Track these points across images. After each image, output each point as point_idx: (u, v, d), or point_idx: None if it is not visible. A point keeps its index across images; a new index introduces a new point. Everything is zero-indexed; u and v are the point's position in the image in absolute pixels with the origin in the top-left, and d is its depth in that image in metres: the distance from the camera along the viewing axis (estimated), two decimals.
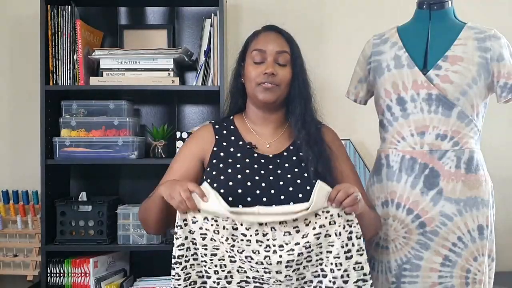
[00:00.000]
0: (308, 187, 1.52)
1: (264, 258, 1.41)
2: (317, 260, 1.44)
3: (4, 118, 2.73)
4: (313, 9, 2.74)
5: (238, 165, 1.59)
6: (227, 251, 1.44)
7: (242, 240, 1.42)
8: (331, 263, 1.43)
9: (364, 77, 1.89)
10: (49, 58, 2.42)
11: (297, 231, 1.42)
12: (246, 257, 1.41)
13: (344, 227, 1.43)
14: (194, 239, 1.44)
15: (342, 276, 1.43)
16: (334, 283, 1.43)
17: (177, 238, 1.44)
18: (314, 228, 1.42)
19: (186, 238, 1.44)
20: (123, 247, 2.48)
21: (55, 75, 2.43)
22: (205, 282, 1.47)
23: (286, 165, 1.60)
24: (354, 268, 1.43)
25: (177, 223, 1.44)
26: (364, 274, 1.43)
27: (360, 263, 1.43)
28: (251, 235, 1.42)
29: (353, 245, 1.43)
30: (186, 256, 1.45)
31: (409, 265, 1.71)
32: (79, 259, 2.43)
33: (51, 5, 2.42)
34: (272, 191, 1.54)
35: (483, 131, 1.78)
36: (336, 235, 1.43)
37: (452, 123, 1.70)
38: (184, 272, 1.45)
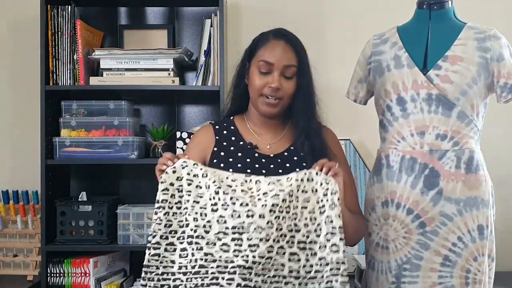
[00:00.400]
0: None
1: (250, 201, 1.44)
2: (293, 214, 1.47)
3: (4, 118, 2.73)
4: (313, 9, 2.74)
5: (239, 165, 1.59)
6: (210, 199, 1.46)
7: (228, 187, 1.46)
8: (305, 218, 1.47)
9: (364, 77, 1.89)
10: (49, 58, 2.42)
11: (280, 184, 1.48)
12: (231, 198, 1.43)
13: (321, 184, 1.48)
14: (181, 186, 1.47)
15: (315, 230, 1.47)
16: (307, 237, 1.47)
17: (162, 182, 1.47)
18: (296, 180, 1.47)
19: (171, 184, 1.47)
20: (123, 247, 2.48)
21: (55, 75, 2.43)
22: (184, 232, 1.47)
23: (287, 165, 1.60)
24: (325, 222, 1.46)
25: (166, 169, 1.49)
26: (333, 228, 1.45)
27: (330, 216, 1.46)
28: (236, 186, 1.47)
29: (327, 200, 1.47)
30: (170, 203, 1.47)
31: (409, 265, 1.71)
32: (79, 259, 2.43)
33: (51, 5, 2.42)
34: None
35: (483, 131, 1.78)
36: (312, 191, 1.48)
37: (452, 123, 1.70)
38: (166, 218, 1.47)
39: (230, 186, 1.47)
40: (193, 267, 1.45)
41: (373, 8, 2.72)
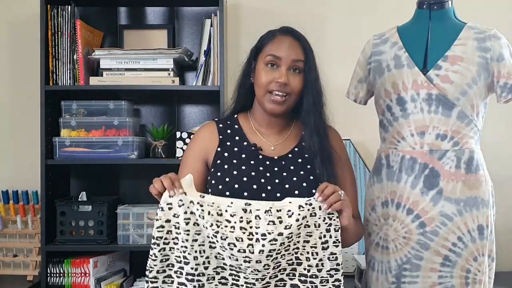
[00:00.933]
0: (314, 191, 1.50)
1: (248, 246, 1.42)
2: (293, 249, 1.47)
3: (4, 118, 2.73)
4: (313, 9, 2.74)
5: (243, 167, 1.57)
6: (208, 236, 1.45)
7: (226, 226, 1.44)
8: (307, 252, 1.48)
9: (364, 77, 1.89)
10: (49, 58, 2.42)
11: (280, 222, 1.44)
12: (229, 244, 1.42)
13: (324, 220, 1.47)
14: (178, 223, 1.45)
15: (317, 265, 1.48)
16: (308, 270, 1.48)
17: (157, 220, 1.45)
18: (297, 220, 1.45)
19: (168, 221, 1.45)
20: (123, 247, 2.48)
21: (55, 75, 2.43)
22: (182, 268, 1.46)
23: (292, 167, 1.59)
24: (328, 258, 1.48)
25: (160, 205, 1.45)
26: (337, 264, 1.48)
27: (335, 253, 1.48)
28: (235, 222, 1.44)
29: (330, 237, 1.48)
30: (166, 239, 1.46)
31: (409, 265, 1.71)
32: (79, 259, 2.43)
33: (51, 5, 2.42)
34: (278, 194, 1.53)
35: (483, 131, 1.78)
36: (315, 226, 1.47)
37: (452, 123, 1.70)
38: (161, 254, 1.46)
39: (229, 222, 1.44)
40: None
41: (373, 8, 2.72)
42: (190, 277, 1.46)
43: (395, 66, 1.77)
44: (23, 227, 2.61)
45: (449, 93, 1.69)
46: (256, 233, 1.44)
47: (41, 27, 2.40)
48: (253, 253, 1.42)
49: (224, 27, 2.47)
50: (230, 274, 1.47)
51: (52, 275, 2.45)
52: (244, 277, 1.46)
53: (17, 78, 2.72)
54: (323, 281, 1.48)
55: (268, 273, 1.45)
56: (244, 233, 1.44)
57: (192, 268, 1.45)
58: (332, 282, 1.48)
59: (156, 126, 2.60)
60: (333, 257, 1.48)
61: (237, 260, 1.43)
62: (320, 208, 1.47)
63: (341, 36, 2.71)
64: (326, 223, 1.47)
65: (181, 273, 1.47)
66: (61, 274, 2.44)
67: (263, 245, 1.42)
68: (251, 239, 1.43)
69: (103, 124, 2.45)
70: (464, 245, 1.68)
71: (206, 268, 1.47)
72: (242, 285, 1.47)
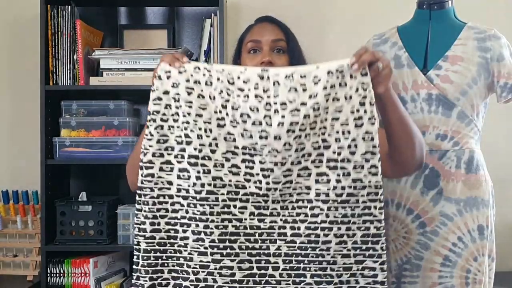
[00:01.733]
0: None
1: (264, 118, 1.18)
2: (320, 129, 1.21)
3: (4, 118, 2.73)
4: (313, 9, 2.74)
5: None
6: (216, 112, 1.20)
7: (238, 96, 1.20)
8: (337, 132, 1.21)
9: None
10: (49, 58, 2.42)
11: (304, 89, 1.19)
12: (241, 115, 1.19)
13: (357, 90, 1.20)
14: (178, 94, 1.22)
15: (349, 146, 1.21)
16: (339, 154, 1.21)
17: (153, 91, 1.23)
18: (324, 88, 1.18)
19: (166, 92, 1.22)
20: (123, 247, 2.47)
21: (55, 75, 2.43)
22: (183, 150, 1.22)
23: None
24: (363, 138, 1.20)
25: (157, 73, 1.24)
26: (374, 146, 1.21)
27: (371, 133, 1.20)
28: (249, 89, 1.20)
29: (365, 112, 1.20)
30: (165, 115, 1.23)
31: (409, 265, 1.71)
32: (79, 259, 2.43)
33: (51, 5, 2.42)
34: None
35: (483, 131, 1.78)
36: (346, 99, 1.20)
37: (452, 123, 1.70)
38: (158, 133, 1.23)
39: (242, 90, 1.19)
40: (198, 192, 1.23)
41: (373, 8, 2.72)
42: (193, 160, 1.22)
43: (395, 66, 1.77)
44: (23, 227, 2.61)
45: (449, 93, 1.69)
46: (275, 103, 1.19)
47: (41, 27, 2.40)
48: (271, 125, 1.18)
49: (224, 27, 2.47)
50: (243, 161, 1.22)
51: (52, 275, 2.44)
52: (260, 162, 1.20)
53: (17, 78, 2.72)
54: (357, 166, 1.22)
55: (289, 156, 1.20)
56: (260, 102, 1.19)
57: (195, 149, 1.21)
58: (368, 168, 1.21)
59: None
60: (368, 137, 1.21)
61: (251, 137, 1.19)
62: (352, 76, 1.19)
63: (341, 36, 2.71)
64: (359, 95, 1.20)
65: (183, 157, 1.22)
66: (61, 274, 2.44)
67: (282, 116, 1.18)
68: (268, 110, 1.19)
69: (103, 124, 2.45)
70: (464, 245, 1.68)
71: (213, 151, 1.21)
72: (258, 174, 1.21)
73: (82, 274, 2.43)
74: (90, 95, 2.54)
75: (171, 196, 1.24)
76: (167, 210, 1.25)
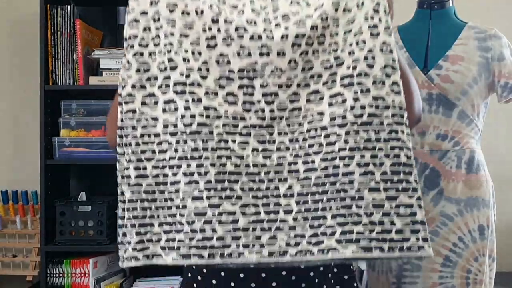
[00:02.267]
0: None
1: (264, 31, 1.01)
2: (330, 45, 1.03)
3: (4, 118, 2.72)
4: None
5: None
6: (204, 30, 1.02)
7: (231, 13, 1.03)
8: (350, 44, 1.03)
9: None
10: (48, 57, 2.42)
11: (308, 4, 1.04)
12: (236, 29, 1.01)
13: None
14: (157, 12, 1.03)
15: (365, 58, 1.02)
16: (354, 67, 1.02)
17: (128, 13, 1.05)
18: None
19: (144, 13, 1.04)
20: None
21: (54, 75, 2.43)
22: (168, 77, 1.03)
23: None
24: (381, 50, 1.02)
25: None
26: (393, 60, 1.03)
27: (389, 44, 1.03)
28: (244, 5, 1.04)
29: (380, 20, 1.03)
30: (143, 39, 1.04)
31: (410, 266, 1.70)
32: (79, 260, 2.43)
33: (51, 4, 2.42)
34: None
35: (484, 131, 1.77)
36: (358, 7, 1.03)
37: (452, 123, 1.69)
38: (138, 61, 1.05)
39: (235, 7, 1.03)
40: (187, 125, 1.02)
41: None
42: (179, 88, 1.02)
43: None
44: (22, 227, 2.61)
45: (450, 93, 1.69)
46: (275, 17, 1.02)
47: (40, 26, 2.40)
48: (272, 39, 1.00)
49: None
50: (241, 87, 1.03)
51: (52, 275, 2.44)
52: (261, 85, 1.02)
53: (16, 77, 2.72)
54: (377, 82, 1.01)
55: (295, 76, 1.02)
56: (258, 16, 1.02)
57: (181, 75, 1.02)
58: (390, 85, 1.02)
59: None
60: (386, 49, 1.03)
61: (249, 55, 1.01)
62: None
63: None
64: (372, 1, 1.04)
65: (167, 86, 1.03)
66: (61, 275, 2.44)
67: (286, 28, 1.01)
68: (268, 24, 1.02)
69: (102, 124, 2.45)
70: (464, 245, 1.67)
71: (203, 78, 1.02)
72: (259, 101, 1.03)
73: (82, 275, 2.43)
74: (90, 95, 2.54)
75: (157, 135, 1.05)
76: (153, 152, 1.05)
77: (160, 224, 1.05)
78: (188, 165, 1.03)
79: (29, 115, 2.64)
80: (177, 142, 1.03)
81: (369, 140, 1.01)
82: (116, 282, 2.47)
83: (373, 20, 1.03)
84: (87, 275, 2.42)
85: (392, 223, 1.01)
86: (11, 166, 2.72)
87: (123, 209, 1.08)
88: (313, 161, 1.03)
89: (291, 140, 1.04)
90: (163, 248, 1.04)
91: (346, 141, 1.01)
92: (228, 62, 1.02)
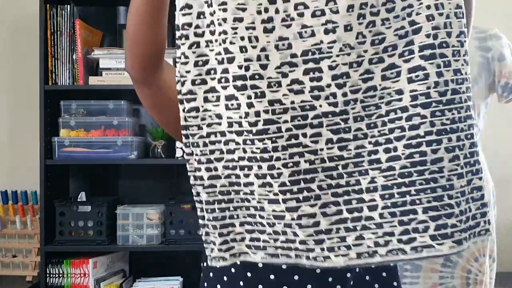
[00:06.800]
0: None
1: (326, 4, 0.87)
2: (403, 9, 0.88)
3: (3, 118, 2.72)
4: None
5: None
6: (259, 12, 0.88)
7: None
8: (428, 6, 0.87)
9: None
10: (48, 57, 2.41)
11: None
12: (296, 6, 0.87)
13: None
14: None
15: (445, 25, 0.88)
16: (435, 37, 0.87)
17: None
18: None
19: None
20: (123, 248, 2.47)
21: (54, 75, 2.42)
22: (226, 71, 0.91)
23: None
24: (455, 14, 0.89)
25: None
26: (464, 26, 0.92)
27: (461, 7, 0.91)
28: None
29: None
30: (198, 27, 0.91)
31: (410, 266, 1.70)
32: (78, 260, 2.43)
33: (50, 4, 2.42)
34: None
35: (484, 131, 1.77)
36: None
37: None
38: (195, 53, 0.92)
39: None
40: (253, 124, 0.91)
41: None
42: (239, 83, 0.90)
43: None
44: (22, 227, 2.61)
45: None
46: None
47: (40, 26, 2.40)
48: (338, 13, 0.86)
49: None
50: (306, 72, 0.89)
51: (52, 275, 2.44)
52: (330, 67, 0.88)
53: (16, 77, 2.71)
54: (455, 53, 0.89)
55: (365, 51, 0.88)
56: None
57: (240, 67, 0.89)
58: (464, 55, 0.91)
59: (156, 126, 2.59)
60: (459, 13, 0.90)
61: (313, 34, 0.87)
62: None
63: None
64: None
65: (227, 80, 0.91)
66: (61, 275, 2.44)
67: None
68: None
69: (102, 124, 2.45)
70: None
71: (264, 67, 0.89)
72: (329, 85, 0.88)
73: (82, 275, 2.42)
74: (90, 95, 2.54)
75: (222, 133, 0.94)
76: (221, 152, 0.95)
77: (242, 224, 0.97)
78: (259, 167, 0.93)
79: (28, 115, 2.64)
80: (244, 142, 0.92)
81: (454, 121, 0.93)
82: (115, 282, 2.47)
83: None
84: (86, 275, 2.42)
85: (469, 209, 0.93)
86: (11, 166, 2.71)
87: (201, 209, 0.99)
88: (395, 148, 0.90)
89: (368, 126, 0.90)
90: (248, 247, 0.97)
91: (432, 124, 0.90)
92: (289, 46, 0.88)
